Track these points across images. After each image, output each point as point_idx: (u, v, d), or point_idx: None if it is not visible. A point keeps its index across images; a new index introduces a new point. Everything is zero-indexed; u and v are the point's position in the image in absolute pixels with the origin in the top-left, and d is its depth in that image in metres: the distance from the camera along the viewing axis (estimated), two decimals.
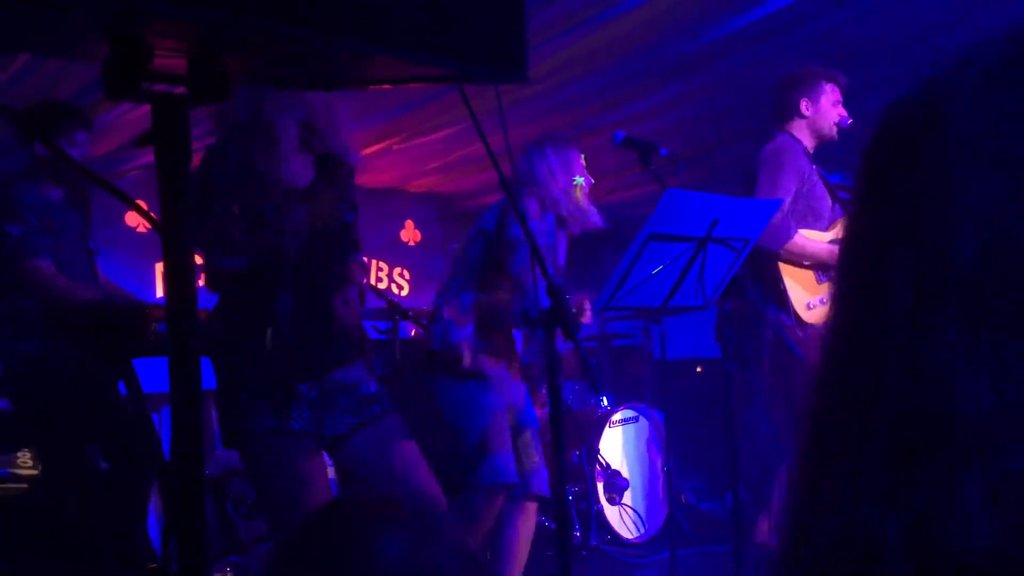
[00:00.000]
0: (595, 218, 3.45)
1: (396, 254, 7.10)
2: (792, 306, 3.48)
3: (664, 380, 4.87)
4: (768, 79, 3.86)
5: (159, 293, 5.34)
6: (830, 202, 3.64)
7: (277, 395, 2.53)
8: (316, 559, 0.97)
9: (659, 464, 5.16)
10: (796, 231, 3.48)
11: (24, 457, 3.12)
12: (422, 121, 5.15)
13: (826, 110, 3.66)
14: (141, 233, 5.57)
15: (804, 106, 3.66)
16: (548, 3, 3.78)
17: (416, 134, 5.43)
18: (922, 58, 0.57)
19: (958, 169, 0.52)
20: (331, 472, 2.92)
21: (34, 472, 3.16)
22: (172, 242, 1.07)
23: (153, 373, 3.08)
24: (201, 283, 4.00)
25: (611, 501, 4.92)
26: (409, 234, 7.25)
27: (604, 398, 5.26)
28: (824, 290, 3.51)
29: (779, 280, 3.49)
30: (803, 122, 3.68)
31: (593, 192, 3.54)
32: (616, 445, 5.11)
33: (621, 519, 4.93)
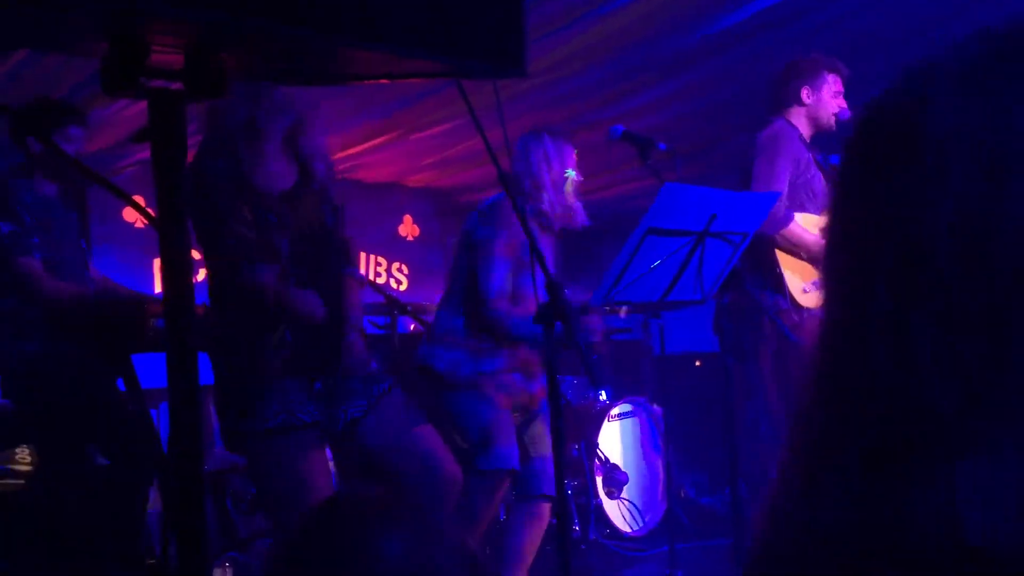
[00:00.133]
0: (580, 216, 3.45)
1: (394, 249, 7.09)
2: (788, 290, 3.49)
3: (663, 374, 4.87)
4: (766, 73, 3.87)
5: (157, 289, 5.34)
6: (826, 187, 3.64)
7: (283, 392, 2.53)
8: (316, 557, 0.97)
9: (658, 458, 5.16)
10: (793, 217, 3.49)
11: (23, 453, 3.12)
12: (420, 116, 5.14)
13: (827, 100, 3.67)
14: (139, 229, 5.56)
15: (805, 94, 3.67)
16: None
17: (414, 129, 5.42)
18: (919, 53, 0.58)
19: (935, 165, 0.52)
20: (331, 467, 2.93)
21: (32, 468, 3.15)
22: (168, 237, 1.07)
23: (151, 369, 3.07)
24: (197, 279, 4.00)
25: (610, 495, 4.92)
26: (407, 229, 7.25)
27: (603, 392, 5.26)
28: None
29: (775, 264, 3.49)
30: (803, 110, 3.69)
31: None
32: (615, 439, 5.11)
33: (620, 513, 4.93)
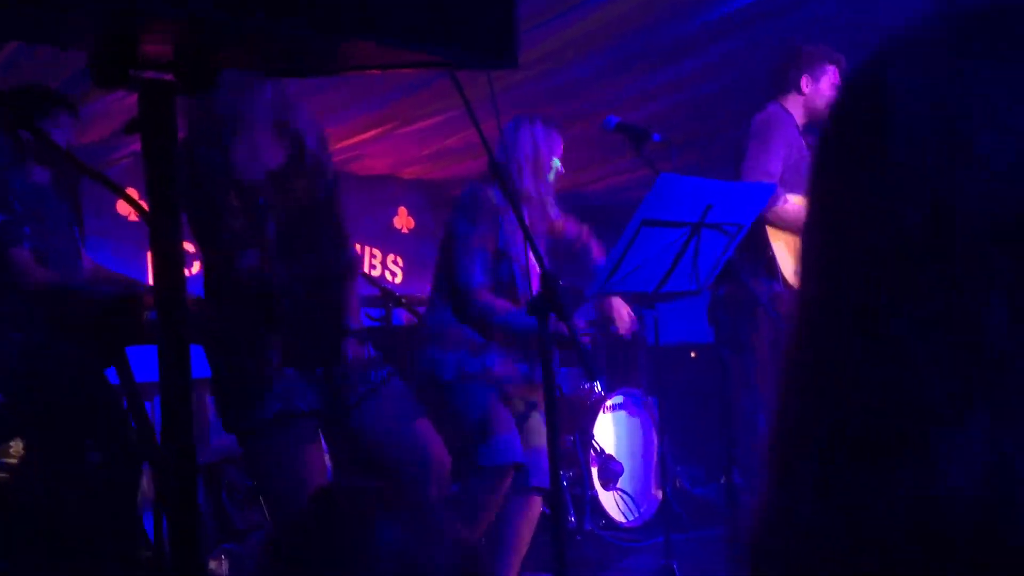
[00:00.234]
0: (554, 210, 3.44)
1: (389, 241, 7.09)
2: (781, 273, 3.49)
3: (658, 366, 4.88)
4: (765, 62, 3.86)
5: (150, 282, 5.32)
6: None
7: (282, 382, 2.53)
8: (311, 546, 0.96)
9: (653, 449, 5.17)
10: (785, 196, 3.49)
11: (17, 447, 3.11)
12: (415, 108, 5.13)
13: (824, 91, 3.67)
14: (133, 222, 5.54)
15: (805, 82, 3.67)
16: None
17: (409, 121, 5.41)
18: None
19: (897, 142, 0.53)
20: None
21: (19, 462, 3.14)
22: (160, 229, 1.06)
23: (145, 362, 3.06)
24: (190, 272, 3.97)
25: (605, 486, 4.93)
26: (402, 221, 7.24)
27: (598, 384, 5.26)
28: None
29: (768, 247, 3.49)
30: (800, 98, 3.69)
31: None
32: (611, 430, 5.12)
33: (616, 504, 4.94)
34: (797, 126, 3.67)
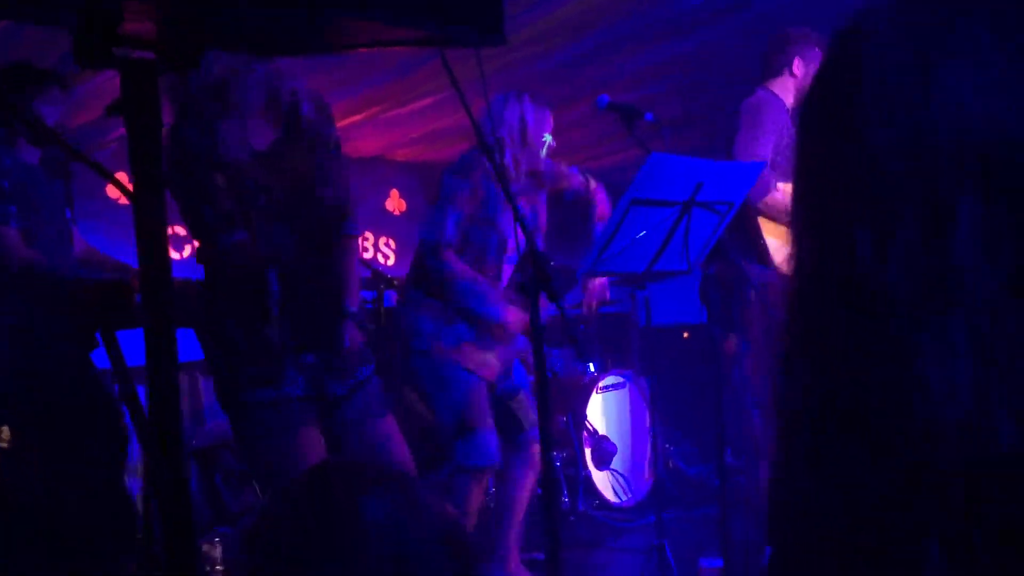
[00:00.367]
0: (570, 179, 3.45)
1: (381, 223, 7.07)
2: (773, 260, 3.49)
3: (650, 346, 4.88)
4: (758, 44, 3.84)
5: None
6: None
7: (277, 367, 2.51)
8: (298, 520, 0.96)
9: (646, 430, 5.18)
10: (777, 185, 3.48)
11: (5, 432, 3.09)
12: (406, 90, 5.11)
13: (815, 73, 3.66)
14: (124, 205, 5.52)
15: (797, 65, 3.65)
16: None
17: (400, 103, 5.39)
18: None
19: (867, 108, 0.56)
20: None
21: (8, 446, 3.12)
22: (145, 210, 1.05)
23: (136, 346, 3.04)
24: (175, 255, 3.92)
25: (599, 466, 4.94)
26: (394, 203, 7.22)
27: (591, 364, 5.27)
28: None
29: (759, 235, 3.49)
30: (791, 81, 3.67)
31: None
32: (604, 411, 5.13)
33: (609, 484, 4.96)
34: (787, 110, 3.66)
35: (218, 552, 3.44)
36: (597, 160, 6.19)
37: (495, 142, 3.24)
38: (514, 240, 3.23)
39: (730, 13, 4.30)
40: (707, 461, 5.43)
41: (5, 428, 3.06)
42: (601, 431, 5.01)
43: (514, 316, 3.21)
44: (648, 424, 5.14)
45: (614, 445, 4.99)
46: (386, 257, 7.04)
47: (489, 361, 3.28)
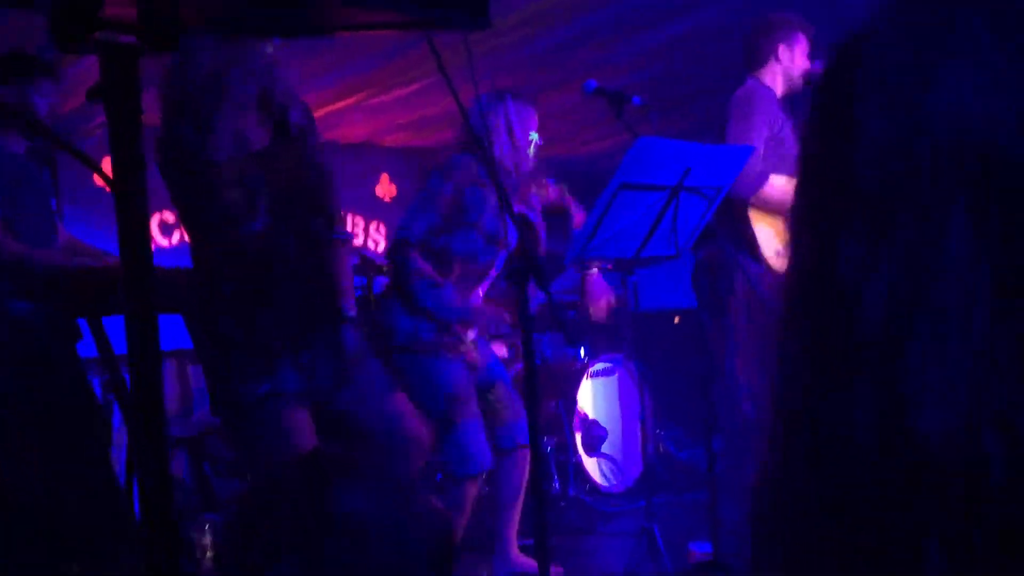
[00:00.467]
0: (534, 180, 3.46)
1: (371, 209, 7.05)
2: (762, 253, 3.48)
3: (640, 331, 4.89)
4: (747, 29, 3.82)
5: None
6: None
7: (271, 361, 2.50)
8: (280, 507, 0.96)
9: (636, 415, 5.19)
10: (769, 177, 3.48)
11: None
12: (395, 75, 5.09)
13: (799, 59, 3.65)
14: (110, 195, 5.48)
15: (782, 51, 3.64)
16: None
17: (389, 88, 5.37)
18: None
19: (867, 108, 0.56)
20: None
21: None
22: (125, 196, 1.04)
23: (122, 333, 3.01)
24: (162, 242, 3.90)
25: (589, 452, 4.95)
26: (384, 189, 7.20)
27: (581, 349, 5.27)
28: None
29: (749, 228, 3.48)
30: (778, 67, 3.65)
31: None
32: (594, 396, 5.14)
33: (599, 469, 4.97)
34: (777, 100, 3.65)
35: (207, 539, 3.44)
36: (586, 146, 6.18)
37: (491, 144, 3.26)
38: (503, 234, 3.24)
39: None
40: (697, 445, 5.45)
41: None
42: (591, 416, 5.02)
43: (478, 317, 3.28)
44: (639, 409, 5.15)
45: (604, 430, 5.00)
46: (376, 243, 7.03)
47: (467, 342, 3.31)
